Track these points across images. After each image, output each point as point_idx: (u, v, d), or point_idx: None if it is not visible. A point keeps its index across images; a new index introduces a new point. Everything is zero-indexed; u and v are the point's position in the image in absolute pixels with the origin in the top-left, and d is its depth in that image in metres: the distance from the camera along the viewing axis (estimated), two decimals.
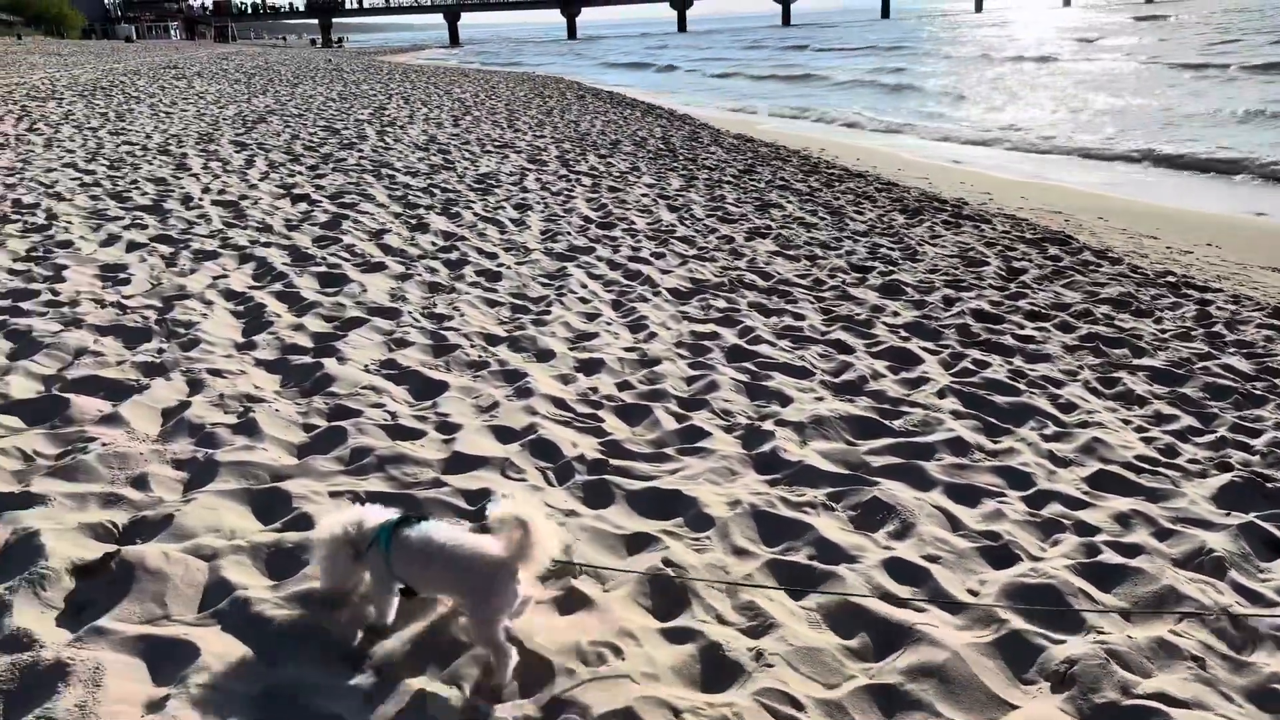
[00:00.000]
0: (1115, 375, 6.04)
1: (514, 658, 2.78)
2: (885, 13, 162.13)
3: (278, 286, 7.18)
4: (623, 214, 10.78)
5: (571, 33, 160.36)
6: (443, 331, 6.27)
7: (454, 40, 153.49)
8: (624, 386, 5.54)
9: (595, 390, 5.44)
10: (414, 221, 9.83)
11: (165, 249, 8.18)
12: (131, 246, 8.21)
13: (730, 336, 6.51)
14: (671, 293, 7.64)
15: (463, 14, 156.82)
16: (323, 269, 7.71)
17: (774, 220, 10.73)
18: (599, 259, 8.59)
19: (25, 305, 6.35)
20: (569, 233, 9.64)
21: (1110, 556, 3.75)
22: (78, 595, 3.11)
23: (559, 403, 5.20)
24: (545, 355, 5.97)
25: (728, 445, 4.74)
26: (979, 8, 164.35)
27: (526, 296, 7.35)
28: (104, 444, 4.21)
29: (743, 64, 55.63)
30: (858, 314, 7.14)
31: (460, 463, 4.35)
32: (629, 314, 7.00)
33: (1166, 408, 5.56)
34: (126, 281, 7.11)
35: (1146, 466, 4.68)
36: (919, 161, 18.28)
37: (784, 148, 18.63)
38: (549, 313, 6.90)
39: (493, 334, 6.37)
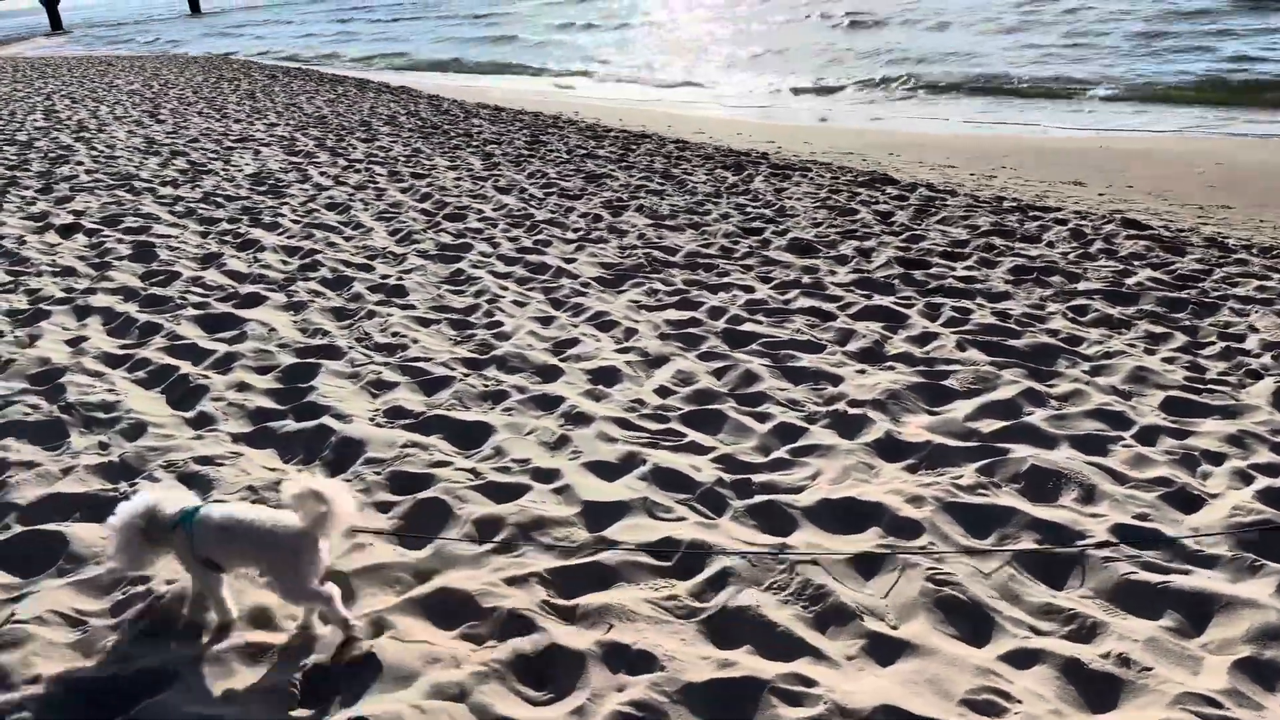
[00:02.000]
0: (1078, 303, 6.37)
1: (336, 594, 2.99)
2: None
3: (160, 341, 5.96)
4: (458, 202, 10.00)
5: (195, 8, 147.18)
6: (411, 364, 5.49)
7: (56, 25, 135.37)
8: (664, 392, 5.12)
9: (642, 402, 4.98)
10: (236, 239, 8.56)
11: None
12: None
13: (707, 319, 6.20)
14: (599, 282, 7.16)
15: None
16: (190, 310, 6.50)
17: (618, 192, 10.39)
18: (486, 256, 7.91)
19: None
20: (423, 230, 8.80)
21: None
22: None
23: (622, 423, 4.70)
24: (547, 371, 5.40)
25: (831, 437, 4.51)
26: None
27: (452, 308, 6.61)
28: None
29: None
30: (800, 279, 7.04)
31: (603, 512, 3.83)
32: (580, 311, 6.49)
33: (1150, 326, 5.94)
34: None
35: (1198, 385, 4.96)
36: (657, 112, 18.49)
37: (541, 113, 18.14)
38: (500, 323, 6.24)
39: (463, 356, 5.66)
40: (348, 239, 8.59)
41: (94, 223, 9.24)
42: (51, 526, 3.75)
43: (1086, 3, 28.29)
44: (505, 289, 7.04)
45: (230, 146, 14.16)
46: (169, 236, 8.61)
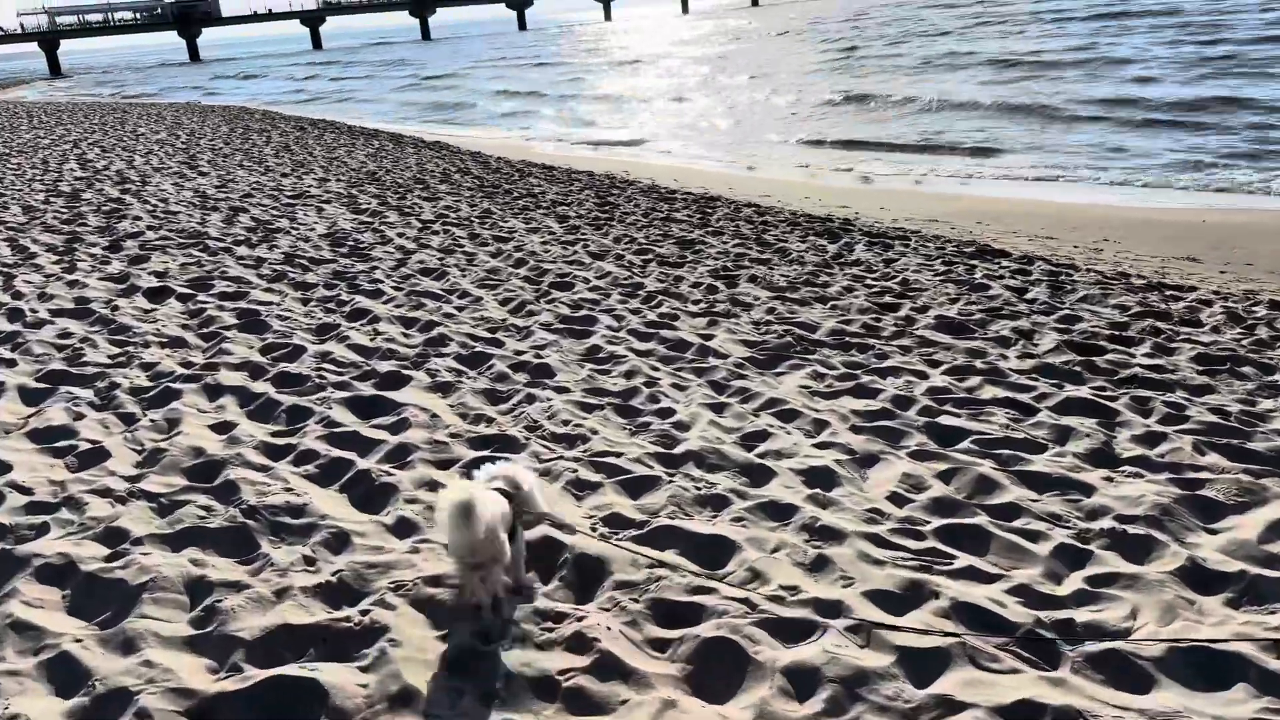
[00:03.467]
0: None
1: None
2: (522, 24, 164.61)
3: (316, 428, 5.48)
4: (557, 269, 9.60)
5: (194, 55, 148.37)
6: (602, 460, 5.04)
7: (55, 70, 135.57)
8: (899, 499, 4.67)
9: (881, 513, 4.52)
10: (342, 307, 8.13)
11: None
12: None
13: (896, 409, 5.77)
14: (752, 363, 6.73)
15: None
16: (333, 391, 6.03)
17: (720, 259, 10.02)
18: (615, 330, 7.49)
19: None
20: (535, 300, 8.39)
21: None
22: None
23: (875, 539, 4.23)
24: (754, 472, 4.95)
25: (1123, 562, 4.06)
26: (608, 16, 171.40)
27: (608, 391, 6.16)
28: None
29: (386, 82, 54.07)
30: (972, 364, 6.62)
31: (921, 663, 3.38)
32: (749, 397, 6.05)
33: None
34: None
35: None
36: (709, 173, 18.23)
37: (593, 172, 17.85)
38: (670, 410, 5.80)
39: (653, 451, 5.20)
40: (460, 308, 8.16)
41: (183, 286, 8.77)
42: (294, 670, 3.24)
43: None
44: (656, 369, 6.59)
45: (289, 203, 13.76)
46: (270, 304, 8.15)
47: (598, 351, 6.98)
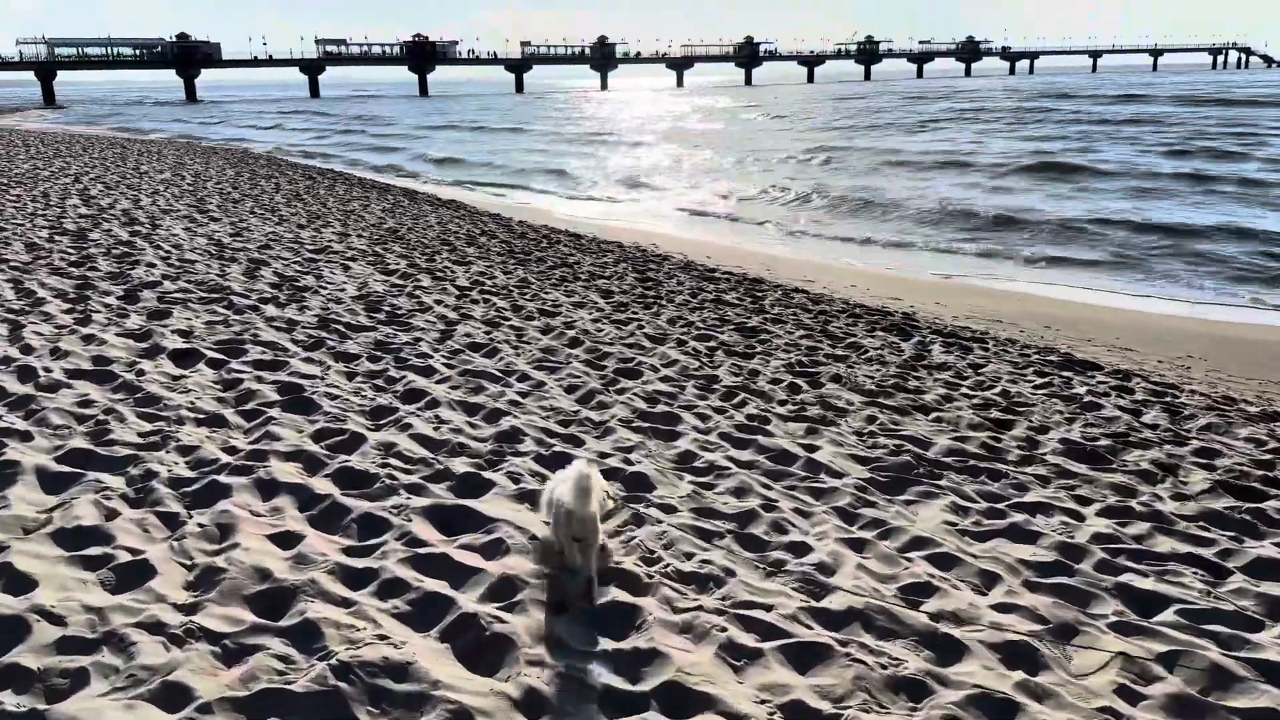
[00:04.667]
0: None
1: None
2: (519, 88, 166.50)
3: (398, 547, 4.60)
4: (618, 353, 8.82)
5: (191, 95, 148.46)
6: (748, 614, 4.21)
7: (49, 100, 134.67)
8: (1131, 695, 3.82)
9: (1116, 714, 3.68)
10: (394, 385, 7.30)
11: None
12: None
13: (1066, 560, 4.97)
14: (874, 485, 5.93)
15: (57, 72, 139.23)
16: (409, 497, 5.16)
17: (791, 352, 9.29)
18: (704, 434, 6.71)
19: None
20: (604, 389, 7.59)
21: None
22: None
23: None
24: (938, 643, 4.11)
25: None
26: (604, 85, 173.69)
27: (721, 514, 5.33)
28: None
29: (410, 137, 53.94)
30: (1127, 504, 5.85)
31: None
32: (888, 532, 5.25)
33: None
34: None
35: None
36: (741, 251, 17.62)
37: (622, 243, 17.19)
38: (806, 545, 4.98)
39: (804, 604, 4.37)
40: (524, 394, 7.33)
41: (211, 349, 7.90)
42: None
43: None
44: (769, 488, 5.77)
45: (311, 258, 12.96)
46: (314, 377, 7.29)
47: (692, 459, 6.16)
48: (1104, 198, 24.90)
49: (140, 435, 5.85)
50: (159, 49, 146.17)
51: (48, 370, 6.97)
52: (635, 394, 7.51)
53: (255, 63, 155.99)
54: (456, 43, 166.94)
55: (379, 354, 8.20)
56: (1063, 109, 59.12)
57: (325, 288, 10.98)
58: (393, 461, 5.67)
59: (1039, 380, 8.69)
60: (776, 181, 30.42)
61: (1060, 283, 15.53)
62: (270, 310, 9.59)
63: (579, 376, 7.93)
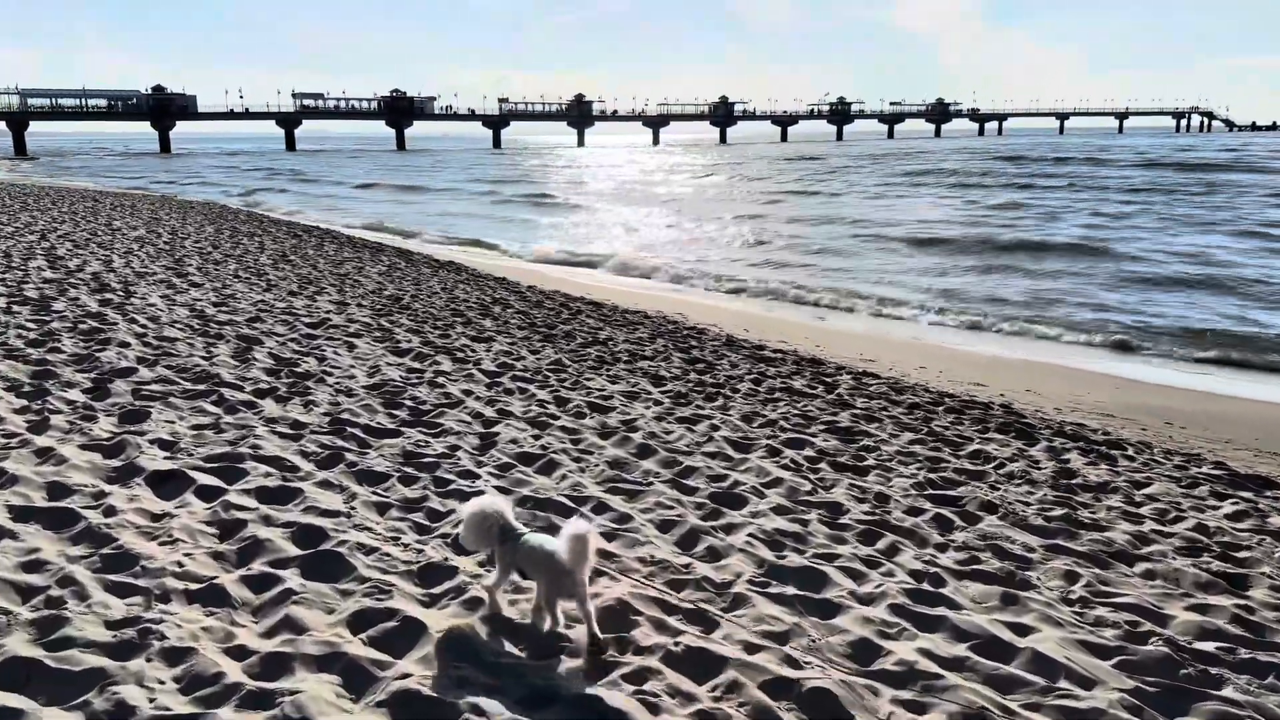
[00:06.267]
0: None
1: (548, 623, 4.20)
2: (496, 143, 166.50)
3: None
4: (705, 468, 7.16)
5: (165, 147, 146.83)
6: None
7: (20, 150, 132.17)
8: None
9: None
10: (436, 522, 5.59)
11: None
12: None
13: None
14: (1147, 703, 4.25)
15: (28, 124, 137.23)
16: None
17: (907, 463, 7.69)
18: (868, 604, 5.06)
19: None
20: (708, 525, 5.92)
21: None
22: None
23: None
24: None
25: None
26: (580, 142, 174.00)
27: None
28: None
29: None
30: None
31: None
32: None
33: None
34: None
35: None
36: (787, 323, 16.08)
37: (646, 312, 15.59)
38: None
39: None
40: (610, 537, 5.64)
41: (201, 469, 6.16)
42: None
43: None
44: (1009, 710, 4.07)
45: (309, 334, 11.26)
46: (337, 515, 5.56)
47: (875, 655, 4.46)
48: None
49: (109, 628, 4.09)
50: (134, 100, 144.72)
51: None
52: (752, 535, 5.83)
53: (231, 115, 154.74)
54: (434, 98, 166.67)
55: (412, 471, 6.50)
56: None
57: (331, 373, 9.28)
58: (468, 672, 3.94)
59: (1227, 506, 7.08)
60: (739, 237, 29.32)
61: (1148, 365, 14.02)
62: (269, 407, 7.87)
63: (670, 506, 6.26)
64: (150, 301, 12.57)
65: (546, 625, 4.21)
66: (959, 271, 23.42)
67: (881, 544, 5.87)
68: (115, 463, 6.22)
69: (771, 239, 30.42)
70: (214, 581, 4.61)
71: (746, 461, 7.39)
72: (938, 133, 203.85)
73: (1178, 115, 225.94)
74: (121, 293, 13.12)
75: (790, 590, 5.07)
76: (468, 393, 9.01)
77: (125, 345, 9.73)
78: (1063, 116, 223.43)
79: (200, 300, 13.09)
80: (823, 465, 7.46)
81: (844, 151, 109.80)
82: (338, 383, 8.94)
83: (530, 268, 23.93)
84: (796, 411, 9.19)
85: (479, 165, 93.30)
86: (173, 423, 7.20)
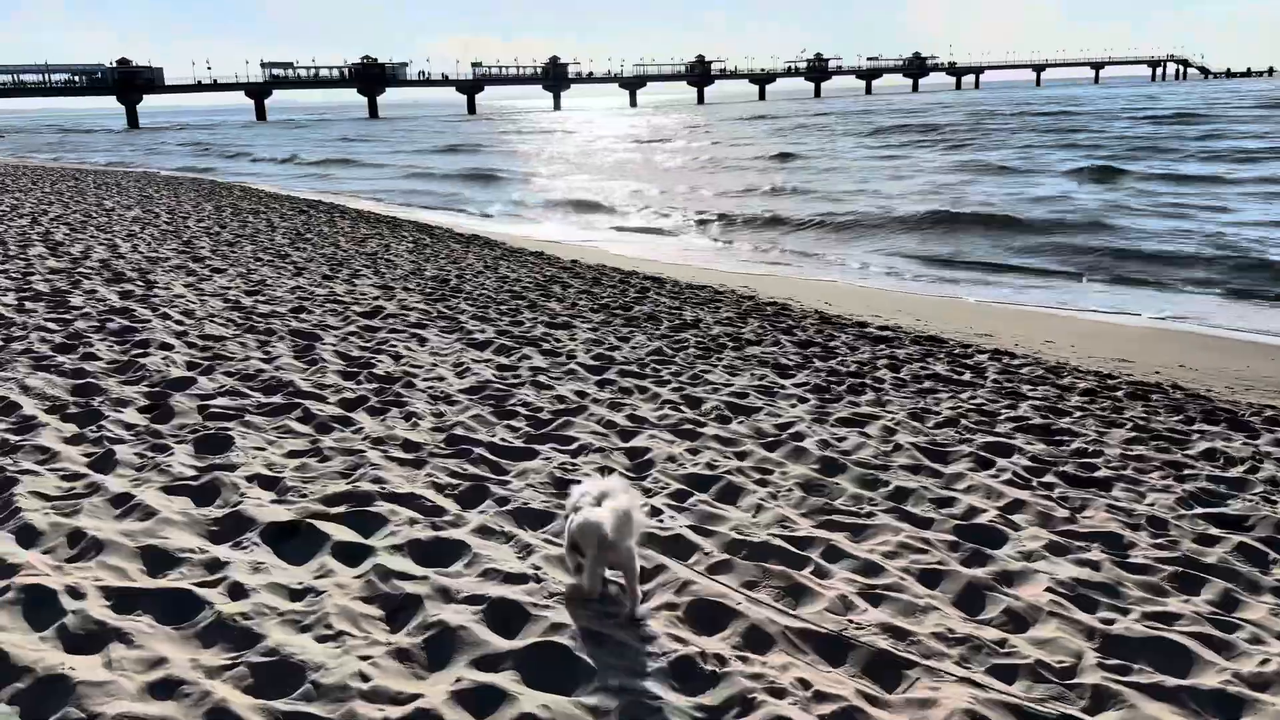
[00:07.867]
0: None
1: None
2: (471, 109, 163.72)
3: None
4: (920, 488, 5.89)
5: (133, 122, 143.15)
6: None
7: None
8: None
9: None
10: (661, 581, 4.28)
11: None
12: None
13: None
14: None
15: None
16: None
17: (1141, 467, 6.44)
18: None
19: None
20: (996, 590, 4.64)
21: None
22: None
23: None
24: None
25: None
26: (557, 106, 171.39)
27: None
28: None
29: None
30: None
31: None
32: None
33: None
34: None
35: None
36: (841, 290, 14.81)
37: (730, 287, 14.27)
38: None
39: None
40: (875, 599, 4.33)
41: (326, 520, 4.81)
42: None
43: None
44: None
45: (368, 325, 9.88)
46: (526, 582, 4.25)
47: None
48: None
49: None
50: (99, 74, 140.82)
51: (74, 590, 3.84)
52: (1051, 590, 4.55)
53: (199, 87, 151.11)
54: (407, 64, 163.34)
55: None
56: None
57: (415, 375, 7.94)
58: None
59: None
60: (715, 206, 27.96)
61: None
62: (367, 423, 6.52)
63: (918, 549, 4.97)
64: (176, 293, 11.14)
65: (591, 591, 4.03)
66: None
67: (1208, 592, 4.62)
68: (214, 511, 4.86)
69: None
70: (419, 704, 3.29)
71: (962, 478, 6.12)
72: (915, 87, 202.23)
73: (1153, 64, 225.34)
74: (141, 283, 11.66)
75: (1157, 678, 3.80)
76: (581, 394, 7.69)
77: (168, 348, 8.33)
78: (1039, 68, 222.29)
79: (230, 289, 11.67)
80: (1051, 479, 6.20)
81: (871, 105, 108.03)
82: (429, 387, 7.59)
83: (511, 231, 22.47)
84: (969, 406, 7.93)
85: (440, 135, 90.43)
86: (263, 449, 5.84)
